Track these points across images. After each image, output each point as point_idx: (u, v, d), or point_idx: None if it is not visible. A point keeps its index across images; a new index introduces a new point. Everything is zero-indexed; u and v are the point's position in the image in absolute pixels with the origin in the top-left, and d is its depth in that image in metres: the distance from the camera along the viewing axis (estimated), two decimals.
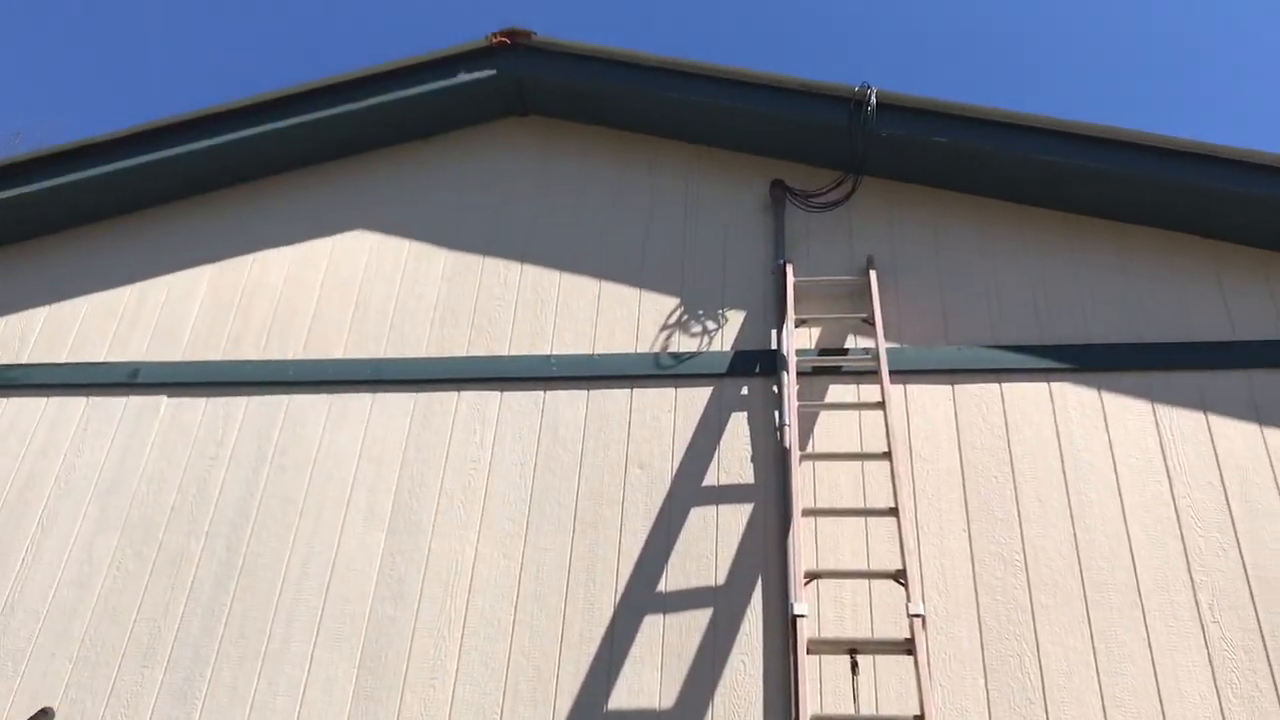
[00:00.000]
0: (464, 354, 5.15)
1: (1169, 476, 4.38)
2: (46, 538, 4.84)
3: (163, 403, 5.20)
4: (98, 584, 4.68)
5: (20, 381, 5.37)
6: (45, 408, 5.27)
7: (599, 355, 5.05)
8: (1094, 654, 4.00)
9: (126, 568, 4.70)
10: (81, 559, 4.76)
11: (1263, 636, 3.97)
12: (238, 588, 4.57)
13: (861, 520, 4.40)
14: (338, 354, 5.25)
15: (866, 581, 4.24)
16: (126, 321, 5.56)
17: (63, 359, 5.46)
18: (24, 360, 5.48)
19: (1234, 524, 4.23)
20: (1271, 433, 4.44)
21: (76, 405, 5.26)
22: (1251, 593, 4.07)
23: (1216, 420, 4.50)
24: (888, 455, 4.35)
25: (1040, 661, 4.00)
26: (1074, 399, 4.64)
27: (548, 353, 5.10)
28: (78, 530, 4.84)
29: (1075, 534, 4.28)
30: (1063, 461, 4.47)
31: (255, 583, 4.58)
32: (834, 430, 4.70)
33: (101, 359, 5.42)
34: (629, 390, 4.92)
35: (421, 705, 4.17)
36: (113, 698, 4.36)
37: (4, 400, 5.32)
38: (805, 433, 4.69)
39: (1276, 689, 3.86)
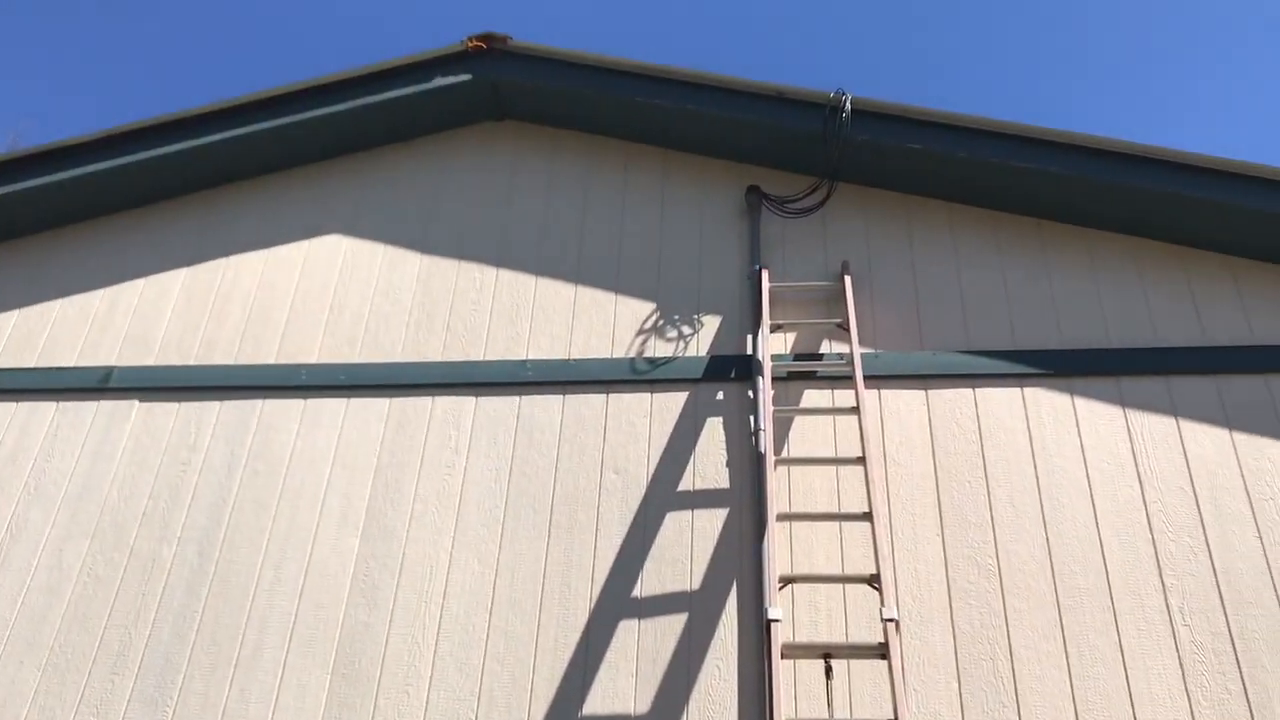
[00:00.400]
0: (439, 359, 5.14)
1: (1140, 481, 4.42)
2: (15, 544, 4.79)
3: (134, 407, 5.15)
4: (68, 590, 4.63)
5: None
6: (15, 412, 5.21)
7: (574, 360, 5.04)
8: (1066, 657, 4.02)
9: (97, 574, 4.66)
10: (51, 565, 4.71)
11: (1232, 639, 4.00)
12: (210, 594, 4.54)
13: (836, 525, 4.42)
14: (312, 359, 5.22)
15: (841, 586, 4.26)
16: (98, 325, 5.51)
17: (33, 363, 5.41)
18: None
19: (1204, 528, 4.27)
20: (1241, 437, 4.49)
21: (47, 410, 5.21)
22: (1221, 596, 4.10)
23: (1187, 425, 4.55)
24: (862, 460, 4.37)
25: (1013, 665, 4.02)
26: (1046, 404, 4.67)
27: (523, 357, 5.09)
28: (47, 536, 4.80)
29: (1048, 538, 4.31)
30: (1035, 466, 4.50)
31: (228, 589, 4.54)
32: (809, 435, 4.72)
33: (73, 363, 5.37)
34: (605, 395, 4.92)
35: (395, 711, 4.15)
36: (82, 705, 4.32)
37: None
38: (780, 438, 4.71)
39: (1246, 691, 3.89)
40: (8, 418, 5.20)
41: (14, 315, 5.61)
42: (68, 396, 5.24)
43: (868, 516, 4.19)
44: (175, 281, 5.64)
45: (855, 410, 4.56)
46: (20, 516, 4.87)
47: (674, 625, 4.25)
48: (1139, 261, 5.08)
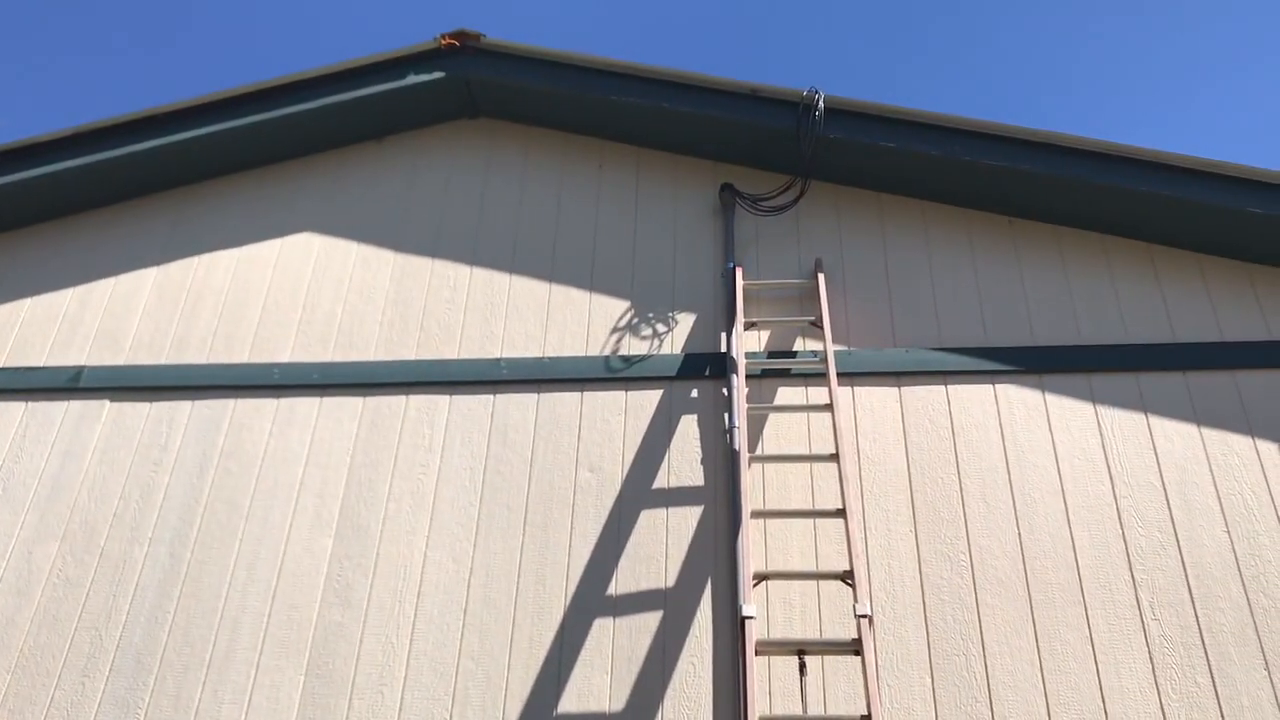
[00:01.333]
0: (413, 357, 5.12)
1: (1110, 477, 4.46)
2: None
3: (105, 407, 5.11)
4: (37, 592, 4.59)
5: None
6: None
7: (549, 358, 5.04)
8: (1038, 652, 4.05)
9: (67, 575, 4.62)
10: (20, 567, 4.67)
11: (1200, 633, 4.05)
12: (182, 594, 4.51)
13: (810, 522, 4.43)
14: (285, 357, 5.19)
15: (815, 583, 4.27)
16: (68, 324, 5.46)
17: (1, 363, 5.35)
18: None
19: (1174, 523, 4.32)
20: (1209, 433, 4.53)
21: (15, 410, 5.15)
22: (1190, 590, 4.15)
23: (1156, 421, 4.59)
24: (835, 457, 4.39)
25: (985, 660, 4.05)
26: (1018, 400, 4.71)
27: (497, 356, 5.08)
28: (16, 537, 4.75)
29: (1020, 534, 4.34)
30: (1007, 462, 4.53)
31: (200, 589, 4.52)
32: (783, 432, 4.73)
33: (42, 363, 5.32)
34: (579, 393, 4.92)
35: (370, 711, 4.14)
36: (53, 708, 4.28)
37: None
38: (754, 435, 4.72)
39: (1214, 684, 3.94)
40: None
41: None
42: (37, 396, 5.19)
43: (841, 513, 4.21)
44: (146, 280, 5.59)
45: (829, 407, 4.58)
46: None
47: (649, 623, 4.25)
48: (1110, 259, 5.12)
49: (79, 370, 5.24)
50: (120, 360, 5.29)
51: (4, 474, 4.95)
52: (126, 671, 4.34)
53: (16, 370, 5.29)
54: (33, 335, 5.44)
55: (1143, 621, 4.09)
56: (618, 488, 4.62)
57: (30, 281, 5.66)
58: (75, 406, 5.13)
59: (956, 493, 4.47)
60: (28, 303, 5.58)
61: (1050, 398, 4.70)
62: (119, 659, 4.38)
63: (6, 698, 4.33)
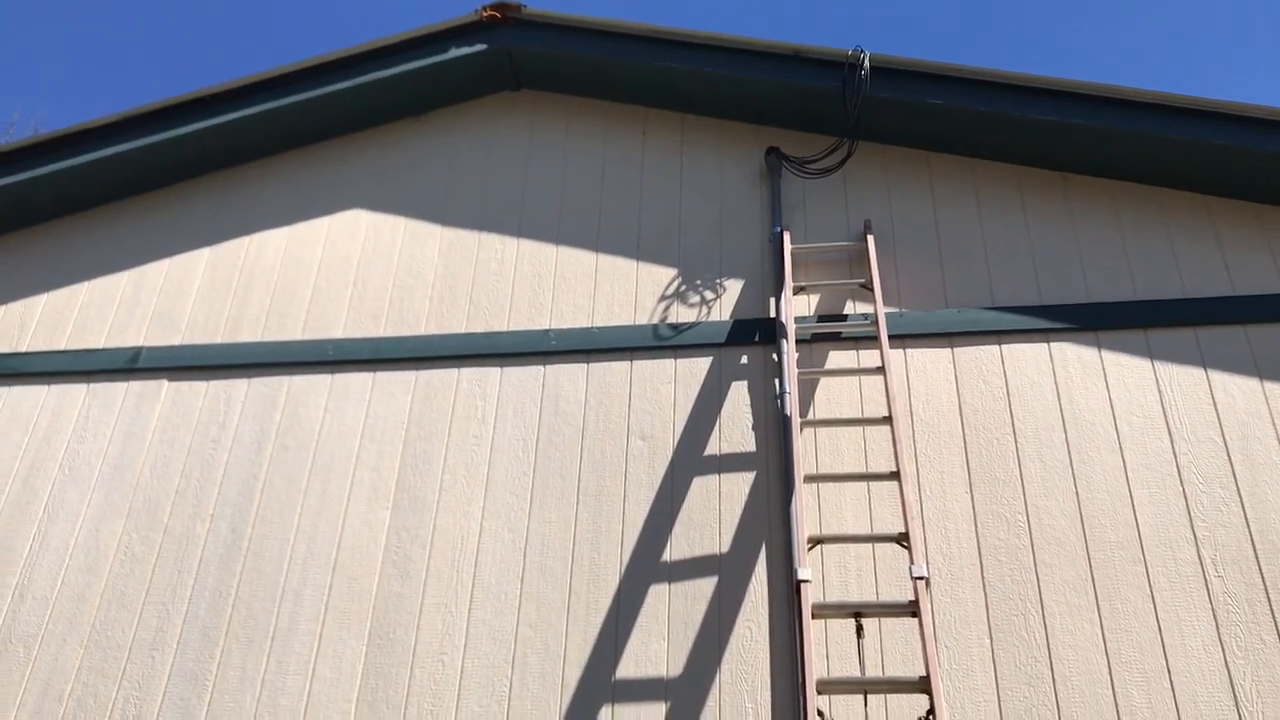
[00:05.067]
0: (463, 330, 5.15)
1: (1170, 433, 4.39)
2: (53, 525, 4.86)
3: (164, 387, 5.20)
4: (105, 569, 4.70)
5: (21, 370, 5.37)
6: (46, 395, 5.27)
7: (598, 328, 5.05)
8: (1098, 611, 4.01)
9: (133, 552, 4.72)
10: (88, 545, 4.78)
11: (1266, 590, 3.98)
12: (244, 569, 4.60)
13: (864, 485, 4.41)
14: (337, 334, 5.25)
15: (870, 546, 4.26)
16: (125, 307, 5.56)
17: (62, 346, 5.46)
18: (24, 349, 5.48)
19: (1235, 479, 4.24)
20: (1271, 387, 4.44)
21: (77, 392, 5.26)
22: (1254, 546, 4.08)
23: (1216, 376, 4.50)
24: (888, 420, 4.36)
25: (1045, 620, 4.02)
26: (1074, 358, 4.64)
27: (546, 327, 5.10)
28: (84, 516, 4.86)
29: (1078, 493, 4.29)
30: (1064, 421, 4.48)
31: (261, 564, 4.60)
32: (834, 396, 4.71)
33: (101, 345, 5.43)
34: (629, 362, 4.92)
35: (431, 679, 4.20)
36: (124, 680, 4.39)
37: (5, 389, 5.33)
38: (806, 400, 4.70)
39: None
40: (40, 401, 5.26)
41: (42, 299, 5.67)
42: (98, 378, 5.29)
43: (895, 476, 4.18)
44: (199, 261, 5.67)
45: (881, 370, 4.55)
46: (57, 498, 4.94)
47: (704, 589, 4.27)
48: (1165, 212, 5.02)
49: (137, 351, 5.33)
50: (177, 340, 5.37)
51: (70, 454, 5.06)
52: (193, 645, 4.44)
53: (78, 353, 5.40)
54: (91, 318, 5.55)
55: (1205, 579, 4.03)
56: (669, 455, 4.62)
57: (87, 265, 5.76)
58: (135, 387, 5.23)
59: (1012, 453, 4.43)
60: (85, 286, 5.68)
61: (1106, 355, 4.63)
62: (185, 633, 4.47)
63: (80, 670, 4.45)
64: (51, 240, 5.92)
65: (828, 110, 5.35)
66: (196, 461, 4.94)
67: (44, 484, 4.99)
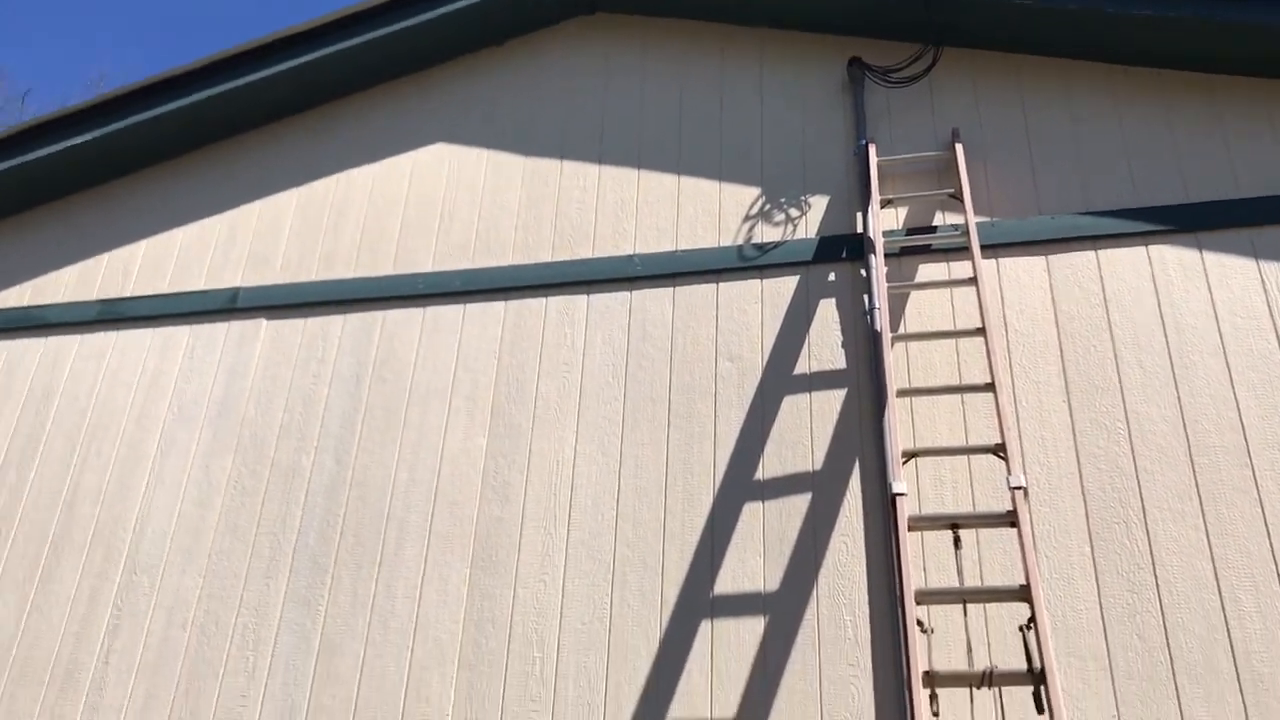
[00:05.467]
0: (549, 259, 5.19)
1: (1277, 334, 4.25)
2: (166, 461, 5.06)
3: (263, 325, 5.35)
4: (218, 502, 4.89)
5: (127, 314, 5.56)
6: (152, 338, 5.46)
7: (682, 251, 5.04)
8: (1202, 517, 3.94)
9: (243, 485, 4.90)
10: (200, 480, 4.97)
11: None
12: (349, 499, 4.74)
13: (958, 399, 4.37)
14: (427, 267, 5.32)
15: (965, 458, 4.23)
16: (221, 249, 5.70)
17: (164, 289, 5.63)
18: (129, 294, 5.67)
19: None
20: None
21: (181, 334, 5.44)
22: None
23: None
24: (982, 331, 4.30)
25: (1147, 527, 3.96)
26: (1174, 261, 4.51)
27: (631, 252, 5.10)
28: (194, 453, 5.05)
29: (1179, 398, 4.20)
30: (1164, 326, 4.36)
31: (366, 493, 4.74)
32: (925, 310, 4.65)
33: (201, 287, 5.58)
34: (714, 285, 4.91)
35: (534, 599, 4.31)
36: (243, 607, 4.59)
37: (115, 333, 5.53)
38: (896, 314, 4.65)
39: None
40: (147, 343, 5.44)
41: (143, 245, 5.84)
42: (199, 319, 5.46)
43: (990, 387, 4.13)
44: (290, 202, 5.78)
45: (973, 281, 4.47)
46: (168, 436, 5.13)
47: (798, 505, 4.29)
48: (1268, 104, 4.80)
49: (235, 291, 5.48)
50: (272, 280, 5.50)
51: (177, 394, 5.25)
52: (304, 572, 4.61)
53: (179, 295, 5.56)
54: (190, 261, 5.70)
55: None
56: (759, 375, 4.63)
57: (183, 210, 5.91)
58: (235, 327, 5.38)
59: (1111, 360, 4.34)
60: (181, 231, 5.84)
61: (1208, 256, 4.48)
62: (296, 561, 4.64)
63: (201, 597, 4.65)
64: (147, 188, 6.08)
65: (910, 16, 5.21)
66: (298, 396, 5.08)
67: (155, 424, 5.19)
